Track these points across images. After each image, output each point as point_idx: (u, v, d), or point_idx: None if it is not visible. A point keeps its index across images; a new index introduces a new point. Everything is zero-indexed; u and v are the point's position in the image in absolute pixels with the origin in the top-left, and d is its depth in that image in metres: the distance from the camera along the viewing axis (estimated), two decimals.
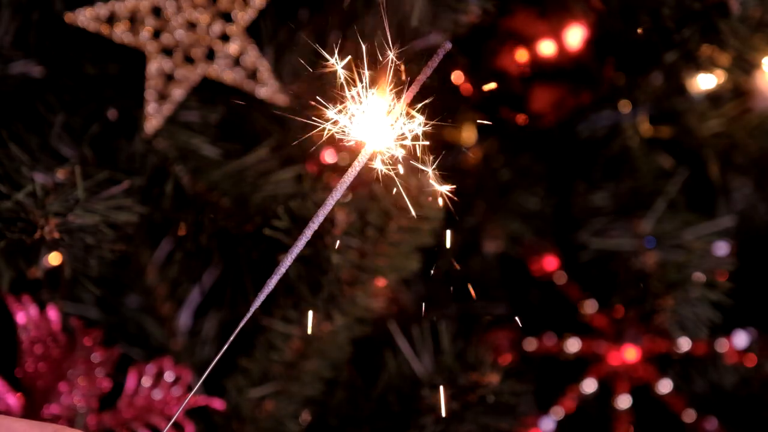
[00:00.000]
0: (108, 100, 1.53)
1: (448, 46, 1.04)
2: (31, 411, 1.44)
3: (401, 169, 1.07)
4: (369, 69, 1.06)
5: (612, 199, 1.77)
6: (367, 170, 1.08)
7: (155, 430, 1.47)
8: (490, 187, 1.80)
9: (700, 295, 1.63)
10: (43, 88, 1.53)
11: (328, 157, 1.62)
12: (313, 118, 1.07)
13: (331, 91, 1.07)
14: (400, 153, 1.07)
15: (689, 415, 1.80)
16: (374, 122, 1.06)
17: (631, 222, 1.74)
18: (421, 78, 1.04)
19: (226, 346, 1.05)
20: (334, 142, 1.08)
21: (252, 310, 1.06)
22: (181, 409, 1.08)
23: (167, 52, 1.49)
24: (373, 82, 1.06)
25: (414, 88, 1.04)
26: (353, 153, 1.07)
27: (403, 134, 1.06)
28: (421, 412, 1.54)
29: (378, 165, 1.07)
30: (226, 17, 1.49)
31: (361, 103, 1.06)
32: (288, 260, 1.06)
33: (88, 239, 1.38)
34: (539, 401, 1.77)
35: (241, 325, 1.05)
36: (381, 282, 1.53)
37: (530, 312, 1.90)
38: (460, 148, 1.77)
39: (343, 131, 1.07)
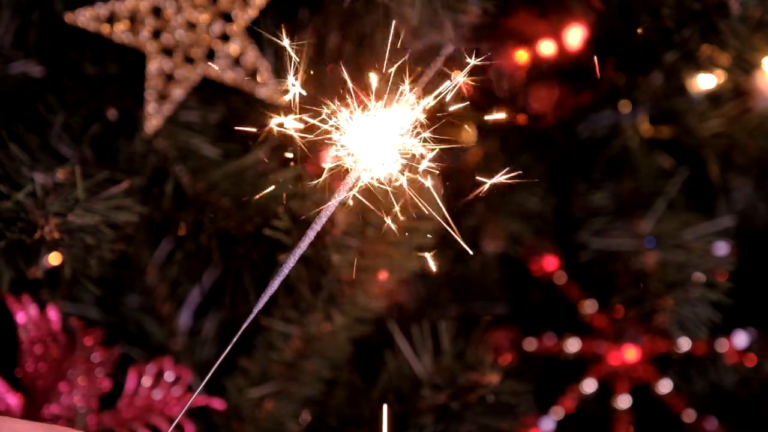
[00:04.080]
0: (108, 100, 1.53)
1: (451, 48, 1.04)
2: (31, 411, 1.44)
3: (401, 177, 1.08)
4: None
5: (612, 199, 1.77)
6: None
7: (155, 430, 1.47)
8: (490, 187, 1.79)
9: (700, 295, 1.63)
10: (43, 88, 1.53)
11: (329, 157, 1.61)
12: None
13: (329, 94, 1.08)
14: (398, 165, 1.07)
15: (689, 415, 1.80)
16: (372, 135, 1.06)
17: (631, 222, 1.74)
18: (423, 80, 1.04)
19: (229, 348, 1.05)
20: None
21: (255, 311, 1.06)
22: (184, 410, 1.08)
23: (167, 52, 1.49)
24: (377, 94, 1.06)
25: (416, 90, 1.04)
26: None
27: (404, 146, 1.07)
28: (421, 412, 1.54)
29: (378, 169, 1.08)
30: (226, 17, 1.49)
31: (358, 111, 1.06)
32: (291, 261, 1.06)
33: (88, 239, 1.38)
34: (539, 401, 1.77)
35: (245, 326, 1.05)
36: (383, 276, 1.53)
37: (530, 312, 1.90)
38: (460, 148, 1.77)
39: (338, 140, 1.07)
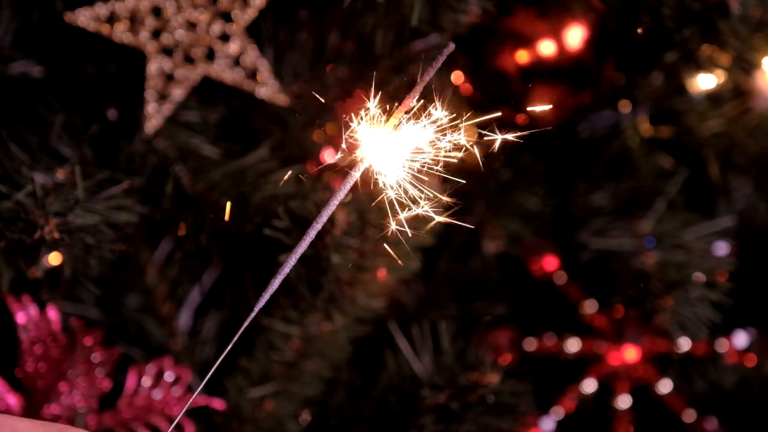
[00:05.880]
0: (108, 100, 1.53)
1: (452, 47, 1.03)
2: (31, 411, 1.44)
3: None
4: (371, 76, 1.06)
5: (612, 199, 1.77)
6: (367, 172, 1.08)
7: (155, 430, 1.47)
8: (490, 187, 1.80)
9: (700, 295, 1.63)
10: (43, 88, 1.53)
11: (328, 157, 1.62)
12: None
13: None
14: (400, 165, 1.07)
15: (689, 415, 1.80)
16: (374, 135, 1.06)
17: (631, 222, 1.74)
18: (424, 80, 1.03)
19: (229, 348, 1.05)
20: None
21: (256, 310, 1.06)
22: (184, 410, 1.08)
23: (167, 52, 1.49)
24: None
25: (417, 90, 1.04)
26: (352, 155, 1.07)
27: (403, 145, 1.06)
28: (421, 412, 1.54)
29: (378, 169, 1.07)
30: (226, 17, 1.49)
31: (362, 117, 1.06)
32: (291, 261, 1.06)
33: (88, 239, 1.38)
34: (539, 401, 1.77)
35: (245, 326, 1.05)
36: (382, 274, 1.53)
37: (530, 312, 1.90)
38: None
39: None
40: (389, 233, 1.08)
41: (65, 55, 1.54)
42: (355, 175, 1.06)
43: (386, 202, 1.08)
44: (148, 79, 1.48)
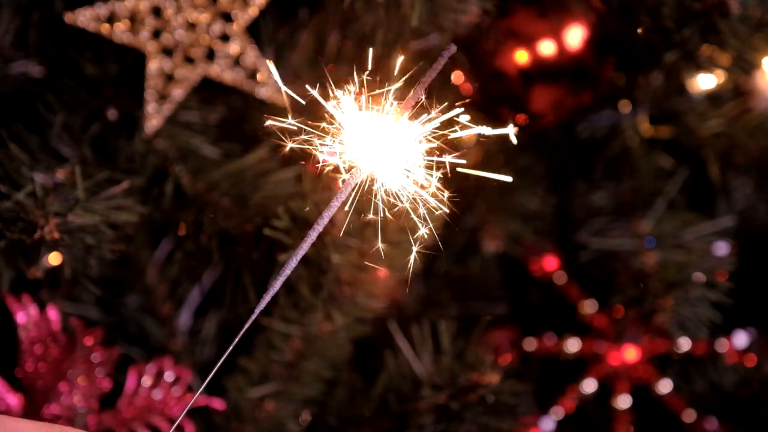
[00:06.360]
0: (108, 100, 1.53)
1: (453, 49, 1.03)
2: (31, 411, 1.44)
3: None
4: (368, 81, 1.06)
5: (612, 199, 1.77)
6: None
7: (155, 430, 1.47)
8: (490, 187, 1.79)
9: (700, 295, 1.63)
10: (43, 88, 1.53)
11: (329, 157, 1.61)
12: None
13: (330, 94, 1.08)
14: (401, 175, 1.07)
15: (689, 415, 1.80)
16: (373, 142, 1.06)
17: (631, 222, 1.74)
18: (425, 81, 1.03)
19: (230, 348, 1.05)
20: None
21: (257, 311, 1.06)
22: (185, 411, 1.08)
23: (167, 52, 1.49)
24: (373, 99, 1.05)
25: (417, 92, 1.04)
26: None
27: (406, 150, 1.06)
28: (421, 412, 1.54)
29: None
30: (226, 17, 1.49)
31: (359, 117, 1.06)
32: (292, 263, 1.06)
33: (88, 239, 1.38)
34: (539, 401, 1.77)
35: (246, 326, 1.05)
36: (383, 272, 1.53)
37: (530, 312, 1.90)
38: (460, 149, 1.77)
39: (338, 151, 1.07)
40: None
41: (65, 55, 1.54)
42: (356, 177, 1.06)
43: (385, 202, 1.08)
44: (148, 79, 1.48)
